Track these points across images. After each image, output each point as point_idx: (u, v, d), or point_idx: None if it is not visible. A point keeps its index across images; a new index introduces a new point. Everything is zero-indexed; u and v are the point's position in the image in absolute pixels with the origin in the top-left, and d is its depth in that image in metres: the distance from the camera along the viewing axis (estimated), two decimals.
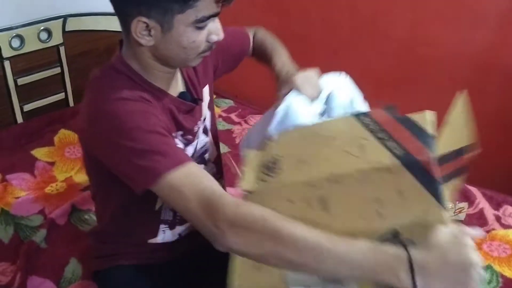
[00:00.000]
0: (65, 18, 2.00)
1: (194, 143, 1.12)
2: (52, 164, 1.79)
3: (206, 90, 1.18)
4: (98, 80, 0.99)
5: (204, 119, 1.17)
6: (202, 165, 1.19)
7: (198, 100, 1.12)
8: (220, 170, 1.28)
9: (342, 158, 0.80)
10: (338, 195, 0.78)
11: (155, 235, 1.14)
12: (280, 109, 1.01)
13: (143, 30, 0.90)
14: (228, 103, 2.43)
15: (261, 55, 1.28)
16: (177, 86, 1.09)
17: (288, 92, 1.05)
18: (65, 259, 1.39)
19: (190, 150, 1.11)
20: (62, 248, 1.43)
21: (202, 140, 1.17)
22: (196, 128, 1.11)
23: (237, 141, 2.05)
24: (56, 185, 1.70)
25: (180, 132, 1.07)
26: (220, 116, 2.25)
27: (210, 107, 1.21)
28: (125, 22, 0.92)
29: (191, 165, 0.87)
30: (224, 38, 0.99)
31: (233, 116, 2.30)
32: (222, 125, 2.16)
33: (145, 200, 0.98)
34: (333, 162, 0.81)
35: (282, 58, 1.21)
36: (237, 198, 0.82)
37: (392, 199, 0.75)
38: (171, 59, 0.96)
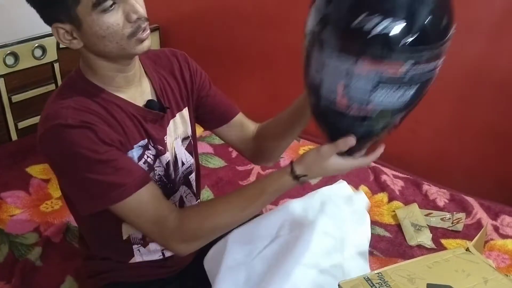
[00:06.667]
0: None
1: (167, 155, 1.09)
2: (47, 181, 1.78)
3: (185, 112, 1.16)
4: (50, 100, 0.98)
5: (190, 139, 1.17)
6: (185, 187, 1.19)
7: (166, 109, 1.09)
8: (198, 192, 1.29)
9: None
10: None
11: (131, 255, 1.12)
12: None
13: (67, 35, 0.91)
14: None
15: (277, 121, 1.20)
16: (144, 94, 1.07)
17: None
18: (61, 277, 1.37)
19: (163, 161, 1.08)
20: (57, 266, 1.42)
21: (186, 160, 1.17)
22: (165, 139, 1.09)
23: (234, 155, 2.05)
24: (51, 202, 1.69)
25: (150, 140, 1.05)
26: None
27: (193, 130, 1.20)
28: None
29: (139, 193, 0.93)
30: (213, 89, 1.19)
31: None
32: (218, 140, 2.16)
33: (111, 222, 1.02)
34: None
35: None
36: (179, 214, 0.98)
37: None
38: (107, 53, 0.93)
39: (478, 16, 1.86)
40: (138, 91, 1.05)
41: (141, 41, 0.93)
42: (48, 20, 0.91)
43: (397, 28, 0.71)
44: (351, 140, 0.87)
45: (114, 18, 0.88)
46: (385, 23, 0.71)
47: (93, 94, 0.97)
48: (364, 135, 0.87)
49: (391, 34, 0.71)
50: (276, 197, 0.98)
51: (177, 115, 1.13)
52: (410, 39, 0.72)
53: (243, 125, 1.24)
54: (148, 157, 1.05)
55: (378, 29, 0.71)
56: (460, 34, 2.00)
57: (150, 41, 0.95)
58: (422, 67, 0.75)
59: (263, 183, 0.97)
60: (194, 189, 1.23)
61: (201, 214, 0.98)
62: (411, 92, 0.78)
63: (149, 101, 1.06)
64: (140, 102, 1.04)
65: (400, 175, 1.96)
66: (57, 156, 0.93)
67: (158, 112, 1.06)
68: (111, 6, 0.88)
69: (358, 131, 0.86)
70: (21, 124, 1.97)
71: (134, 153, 1.01)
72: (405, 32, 0.72)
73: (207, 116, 1.22)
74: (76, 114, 0.91)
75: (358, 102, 0.79)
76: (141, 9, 0.92)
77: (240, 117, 1.24)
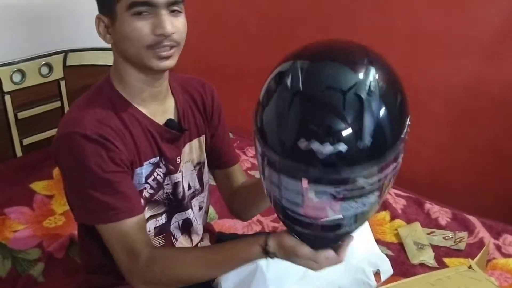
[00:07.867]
0: (66, 53, 2.03)
1: (177, 175, 1.10)
2: (50, 197, 1.79)
3: (203, 140, 1.18)
4: (77, 103, 1.02)
5: (200, 166, 1.18)
6: (194, 208, 1.18)
7: (184, 130, 1.10)
8: (206, 217, 1.29)
9: None
10: None
11: None
12: None
13: (104, 29, 0.98)
14: None
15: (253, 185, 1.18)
16: (166, 113, 1.09)
17: None
18: None
19: (172, 180, 1.09)
20: (59, 282, 1.41)
21: (194, 185, 1.17)
22: (178, 160, 1.10)
23: None
24: (55, 218, 1.69)
25: (162, 158, 1.06)
26: None
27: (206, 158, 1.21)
28: None
29: (127, 221, 0.95)
30: (223, 135, 1.20)
31: None
32: None
33: None
34: None
35: None
36: (150, 253, 0.95)
37: None
38: (128, 57, 0.97)
39: (475, 33, 1.89)
40: (161, 109, 1.07)
41: (160, 57, 0.95)
42: (98, 9, 0.99)
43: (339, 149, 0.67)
44: (330, 254, 0.84)
45: (141, 25, 0.93)
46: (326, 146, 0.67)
47: (117, 106, 1.01)
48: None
49: (334, 157, 0.67)
50: (243, 264, 0.94)
51: (195, 140, 1.15)
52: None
53: (234, 177, 1.24)
54: (158, 174, 1.06)
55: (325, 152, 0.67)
56: (457, 52, 2.03)
57: (172, 62, 0.97)
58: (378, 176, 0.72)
59: (235, 248, 0.94)
60: (202, 211, 1.23)
61: (167, 261, 0.96)
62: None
63: (169, 120, 1.08)
64: (160, 120, 1.06)
65: (402, 193, 1.97)
66: (66, 162, 0.97)
67: (175, 132, 1.08)
68: (140, 13, 0.92)
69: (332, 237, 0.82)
70: (26, 141, 1.99)
71: (144, 170, 1.03)
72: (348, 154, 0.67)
73: (208, 156, 1.22)
74: (96, 126, 0.94)
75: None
76: (169, 27, 0.93)
77: (235, 168, 1.25)
